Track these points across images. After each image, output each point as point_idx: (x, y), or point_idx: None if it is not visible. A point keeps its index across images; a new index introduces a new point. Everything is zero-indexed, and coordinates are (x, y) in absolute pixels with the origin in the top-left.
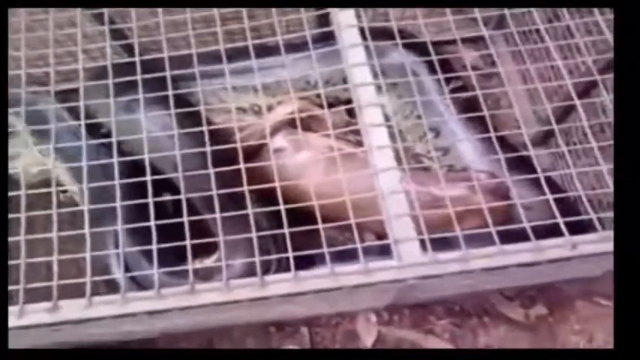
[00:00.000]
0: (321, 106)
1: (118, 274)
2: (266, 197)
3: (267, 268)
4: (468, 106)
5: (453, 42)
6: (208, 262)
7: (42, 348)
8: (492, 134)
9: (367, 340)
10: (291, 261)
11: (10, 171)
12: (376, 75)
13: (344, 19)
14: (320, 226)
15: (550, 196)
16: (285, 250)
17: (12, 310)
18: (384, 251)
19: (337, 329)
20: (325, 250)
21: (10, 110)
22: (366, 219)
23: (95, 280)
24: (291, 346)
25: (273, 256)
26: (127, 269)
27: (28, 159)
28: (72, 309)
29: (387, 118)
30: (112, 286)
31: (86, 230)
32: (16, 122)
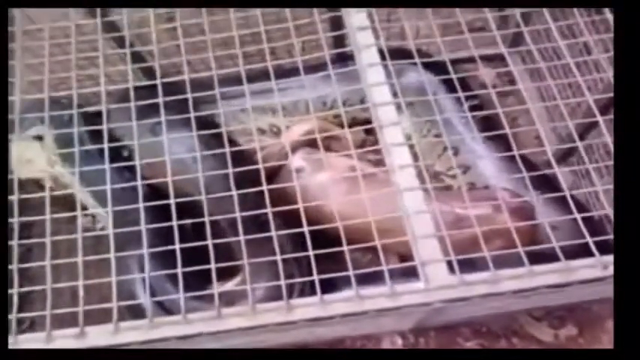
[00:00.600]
0: (339, 126)
1: (144, 299)
2: (290, 219)
3: (290, 292)
4: (485, 124)
5: (468, 60)
6: (229, 285)
7: None
8: (515, 152)
9: None
10: (317, 284)
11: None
12: (395, 94)
13: (362, 40)
14: (345, 247)
15: (578, 216)
16: (308, 274)
17: (39, 336)
18: (409, 273)
19: None
20: (351, 272)
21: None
22: (390, 240)
23: (119, 306)
24: None
25: (298, 280)
26: (152, 294)
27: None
28: (99, 335)
29: (406, 138)
30: (136, 312)
31: (112, 255)
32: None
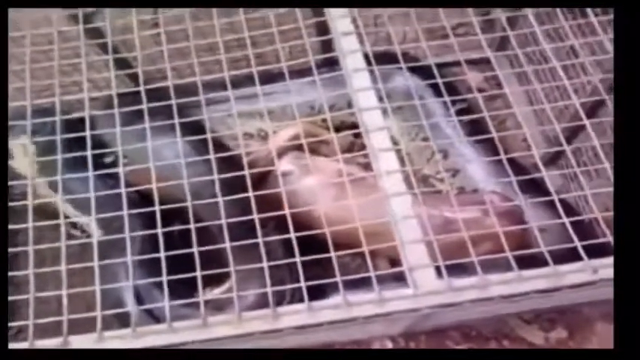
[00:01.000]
0: (327, 130)
1: (130, 306)
2: (283, 223)
3: (281, 298)
4: (473, 127)
5: (455, 64)
6: (217, 291)
7: None
8: (503, 156)
9: None
10: (304, 291)
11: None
12: (381, 99)
13: (347, 45)
14: (332, 254)
15: (566, 220)
16: (299, 279)
17: (22, 346)
18: (398, 277)
19: None
20: (339, 278)
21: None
22: (379, 246)
23: (107, 314)
24: None
25: (287, 287)
26: (140, 301)
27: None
28: (82, 344)
29: (394, 142)
30: (124, 320)
31: (95, 263)
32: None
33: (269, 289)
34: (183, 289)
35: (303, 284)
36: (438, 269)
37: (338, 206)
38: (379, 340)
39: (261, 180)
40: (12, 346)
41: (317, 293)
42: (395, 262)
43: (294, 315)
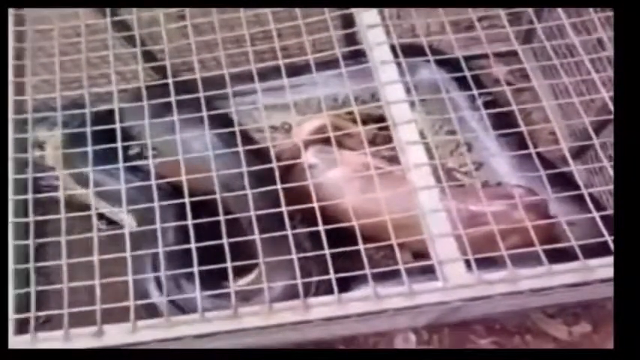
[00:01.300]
0: (351, 123)
1: (157, 297)
2: (309, 217)
3: (307, 290)
4: (499, 120)
5: (480, 57)
6: (244, 282)
7: None
8: (532, 150)
9: None
10: (334, 283)
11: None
12: (408, 91)
13: (373, 37)
14: (361, 246)
15: (596, 214)
16: (326, 271)
17: (57, 334)
18: (424, 270)
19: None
20: (368, 271)
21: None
22: (408, 239)
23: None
24: None
25: (315, 278)
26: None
27: None
28: (117, 333)
29: (421, 135)
30: (149, 311)
31: (127, 254)
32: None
33: (299, 281)
34: (208, 281)
35: (332, 276)
36: (467, 263)
37: (364, 199)
38: (402, 333)
39: (286, 173)
40: (45, 335)
41: (343, 284)
42: (418, 254)
43: (325, 306)
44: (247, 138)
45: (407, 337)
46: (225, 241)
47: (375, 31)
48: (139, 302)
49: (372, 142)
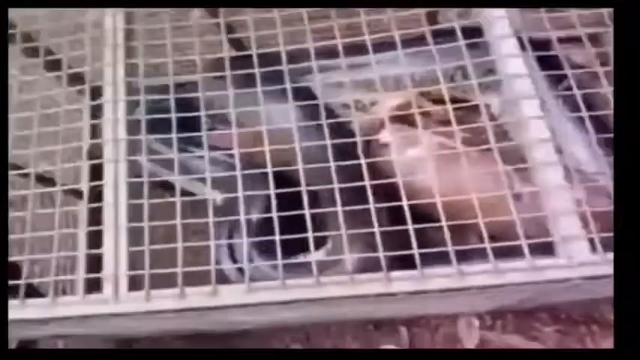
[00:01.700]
0: (429, 102)
1: (231, 264)
2: (381, 193)
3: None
4: (578, 106)
5: (561, 40)
6: (320, 254)
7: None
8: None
9: (468, 344)
10: (417, 258)
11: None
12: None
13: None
14: (444, 223)
15: None
16: (402, 248)
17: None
18: (507, 252)
19: (437, 331)
20: (450, 248)
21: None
22: (497, 218)
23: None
24: (388, 346)
25: (397, 253)
26: (236, 261)
27: None
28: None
29: (492, 118)
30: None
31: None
32: None
33: (381, 254)
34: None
35: (415, 251)
36: (591, 242)
37: (442, 179)
38: (465, 316)
39: (364, 149)
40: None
41: (412, 265)
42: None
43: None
44: (329, 112)
45: (470, 320)
46: (307, 211)
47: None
48: (221, 267)
49: (448, 123)
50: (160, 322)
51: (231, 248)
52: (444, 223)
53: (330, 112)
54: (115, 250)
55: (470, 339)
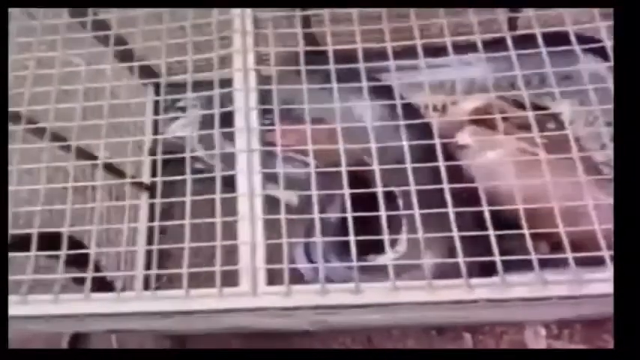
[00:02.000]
0: (508, 106)
1: (305, 263)
2: (458, 197)
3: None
4: None
5: None
6: (392, 256)
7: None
8: None
9: None
10: (499, 265)
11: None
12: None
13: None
14: (526, 231)
15: None
16: (481, 254)
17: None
18: (586, 262)
19: (502, 339)
20: (534, 256)
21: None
22: (577, 228)
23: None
24: None
25: (478, 259)
26: (312, 262)
27: None
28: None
29: (562, 125)
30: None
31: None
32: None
33: (461, 260)
34: (348, 254)
35: (497, 258)
36: None
37: (520, 185)
38: (532, 326)
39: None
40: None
41: (489, 272)
42: (556, 247)
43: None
44: (413, 112)
45: (537, 329)
46: (383, 213)
47: None
48: (292, 266)
49: (525, 128)
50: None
51: (307, 249)
52: (525, 230)
53: (414, 112)
54: (251, 242)
55: (536, 347)
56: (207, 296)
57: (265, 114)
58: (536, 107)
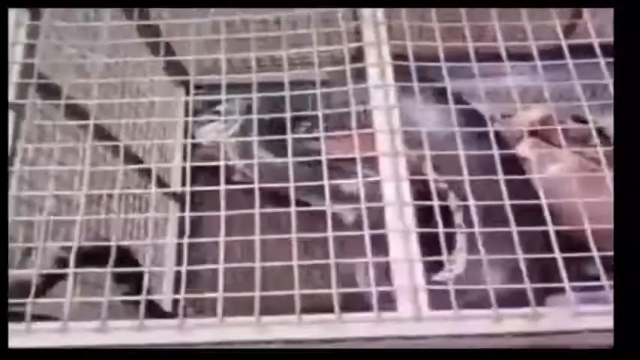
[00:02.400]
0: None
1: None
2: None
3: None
4: None
5: None
6: (448, 275)
7: None
8: None
9: None
10: (570, 293)
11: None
12: None
13: None
14: (595, 253)
15: None
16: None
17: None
18: None
19: None
20: (606, 282)
21: None
22: None
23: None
24: None
25: (548, 285)
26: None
27: None
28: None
29: (608, 140)
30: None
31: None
32: None
33: (528, 286)
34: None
35: (566, 284)
36: None
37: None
38: None
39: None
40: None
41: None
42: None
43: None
44: (479, 119)
45: None
46: (441, 230)
47: None
48: (345, 290)
49: (578, 141)
50: None
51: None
52: (595, 253)
53: (479, 119)
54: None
55: None
56: (362, 321)
57: (302, 120)
58: (581, 120)
